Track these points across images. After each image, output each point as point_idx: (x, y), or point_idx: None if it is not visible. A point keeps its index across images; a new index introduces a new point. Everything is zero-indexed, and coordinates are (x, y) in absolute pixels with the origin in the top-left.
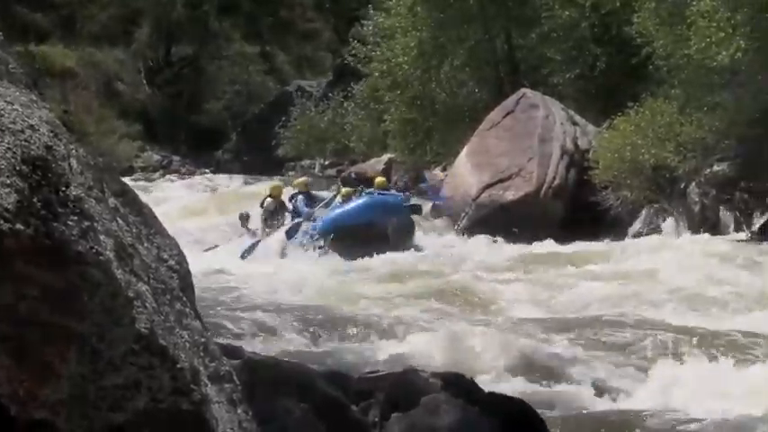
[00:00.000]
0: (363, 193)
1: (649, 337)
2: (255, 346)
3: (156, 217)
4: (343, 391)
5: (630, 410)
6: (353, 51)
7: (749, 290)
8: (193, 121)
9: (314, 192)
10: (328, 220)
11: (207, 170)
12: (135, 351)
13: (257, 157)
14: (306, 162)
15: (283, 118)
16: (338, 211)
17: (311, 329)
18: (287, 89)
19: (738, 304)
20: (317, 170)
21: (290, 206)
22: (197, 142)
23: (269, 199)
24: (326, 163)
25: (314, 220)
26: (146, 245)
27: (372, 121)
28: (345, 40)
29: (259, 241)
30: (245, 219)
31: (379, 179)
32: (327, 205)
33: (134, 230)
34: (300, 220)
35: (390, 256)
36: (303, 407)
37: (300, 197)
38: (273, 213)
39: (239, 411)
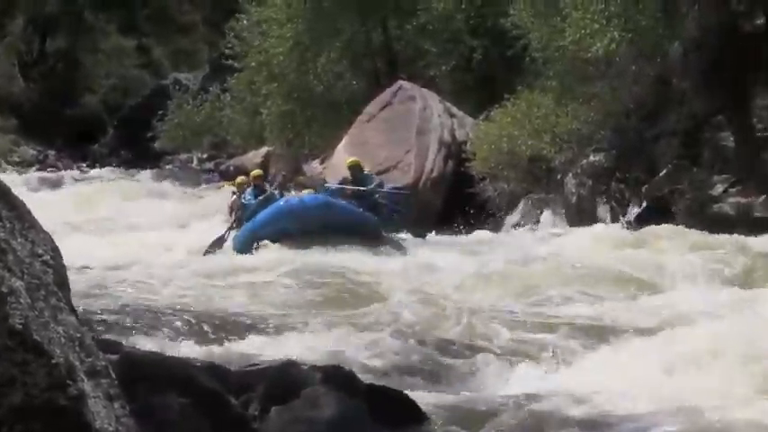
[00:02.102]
0: (324, 188)
1: (518, 329)
2: (136, 342)
3: (29, 211)
4: (222, 384)
5: (506, 400)
6: (230, 44)
7: (616, 279)
8: (69, 115)
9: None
10: (245, 230)
11: (84, 164)
12: (9, 347)
13: (134, 151)
14: (183, 156)
15: (160, 111)
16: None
17: (191, 324)
18: (164, 82)
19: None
20: (194, 164)
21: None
22: (73, 136)
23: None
24: (204, 156)
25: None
26: (20, 240)
27: (249, 114)
28: (222, 32)
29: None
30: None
31: (351, 159)
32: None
33: (8, 225)
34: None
35: (266, 249)
36: (182, 401)
37: (249, 191)
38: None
39: (116, 406)
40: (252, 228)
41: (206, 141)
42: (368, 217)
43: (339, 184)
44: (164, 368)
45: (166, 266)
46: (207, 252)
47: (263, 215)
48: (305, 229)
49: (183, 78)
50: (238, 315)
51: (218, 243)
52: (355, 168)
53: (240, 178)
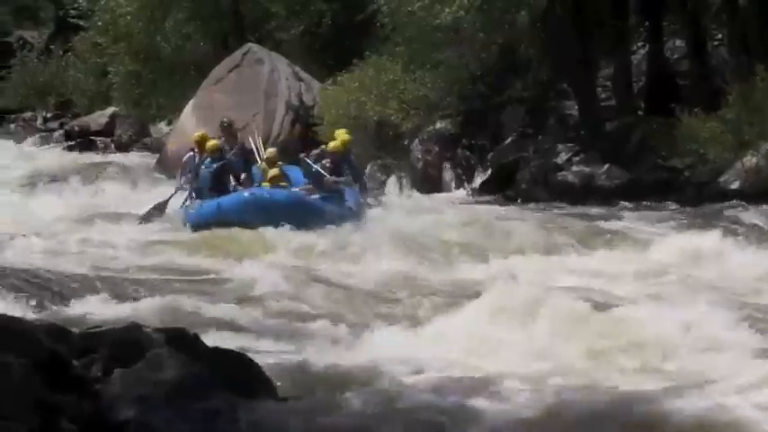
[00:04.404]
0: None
1: (360, 294)
2: None
3: None
4: (65, 346)
5: (348, 366)
6: (76, 2)
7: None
8: None
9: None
10: (196, 214)
11: None
12: None
13: None
14: (28, 114)
15: (4, 69)
16: (210, 204)
17: (35, 286)
18: (7, 40)
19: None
20: (38, 123)
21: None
22: None
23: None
24: (49, 116)
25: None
26: None
27: (96, 74)
28: None
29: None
30: None
31: (342, 138)
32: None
33: None
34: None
35: (109, 210)
36: (22, 362)
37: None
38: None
39: None
40: (207, 215)
41: (51, 101)
42: (345, 213)
43: (315, 164)
44: (3, 328)
45: (14, 228)
46: (143, 219)
47: (222, 203)
48: (269, 225)
49: (27, 36)
50: (83, 277)
51: (160, 209)
52: (337, 153)
53: (199, 134)
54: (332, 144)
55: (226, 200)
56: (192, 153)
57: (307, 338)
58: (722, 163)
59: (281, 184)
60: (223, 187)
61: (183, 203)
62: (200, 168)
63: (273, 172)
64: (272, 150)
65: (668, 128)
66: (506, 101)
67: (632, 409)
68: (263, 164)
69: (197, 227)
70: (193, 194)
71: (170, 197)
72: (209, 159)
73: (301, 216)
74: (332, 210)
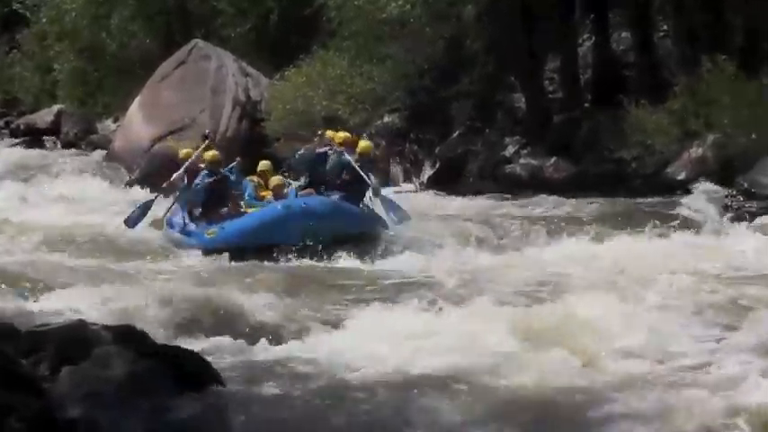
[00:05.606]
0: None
1: (311, 289)
2: None
3: None
4: (11, 344)
5: (306, 359)
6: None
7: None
8: None
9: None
10: (224, 235)
11: None
12: None
13: None
14: None
15: None
16: (238, 223)
17: None
18: None
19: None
20: None
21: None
22: None
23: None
24: None
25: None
26: None
27: (41, 71)
28: None
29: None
30: None
31: (363, 143)
32: None
33: None
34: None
35: (54, 207)
36: None
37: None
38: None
39: None
40: (227, 238)
41: None
42: (379, 220)
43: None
44: None
45: None
46: (129, 223)
47: (246, 222)
48: (306, 242)
49: None
50: (28, 275)
51: (143, 210)
52: (368, 155)
53: (185, 151)
54: (363, 144)
55: (253, 218)
56: (181, 171)
57: (257, 334)
58: (669, 154)
59: (284, 191)
60: (218, 201)
61: (183, 226)
62: (193, 182)
63: (276, 180)
64: (265, 163)
65: (615, 120)
66: (453, 95)
67: (581, 404)
68: (256, 178)
69: (219, 251)
70: (185, 215)
71: (154, 198)
72: (205, 172)
73: (343, 224)
74: (366, 214)
